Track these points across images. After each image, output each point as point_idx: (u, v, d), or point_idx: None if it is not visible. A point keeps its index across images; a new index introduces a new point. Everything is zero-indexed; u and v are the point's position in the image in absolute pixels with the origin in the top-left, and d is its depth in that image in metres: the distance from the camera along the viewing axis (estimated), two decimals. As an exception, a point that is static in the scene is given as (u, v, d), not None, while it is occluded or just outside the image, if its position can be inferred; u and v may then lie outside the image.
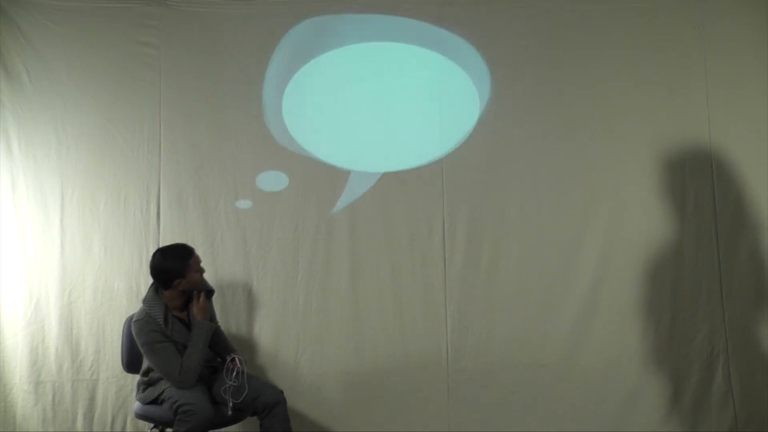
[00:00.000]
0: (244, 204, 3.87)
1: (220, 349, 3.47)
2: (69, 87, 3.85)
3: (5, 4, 3.83)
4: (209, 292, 3.43)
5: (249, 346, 3.78)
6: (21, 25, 3.84)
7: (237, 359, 3.34)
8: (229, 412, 3.24)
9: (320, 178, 3.90)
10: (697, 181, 3.92)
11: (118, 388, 3.71)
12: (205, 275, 3.61)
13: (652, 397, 3.80)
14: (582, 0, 4.01)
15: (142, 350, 3.26)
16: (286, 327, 3.83)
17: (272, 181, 3.90)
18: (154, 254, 3.35)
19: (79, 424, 3.69)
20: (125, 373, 3.58)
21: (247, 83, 3.92)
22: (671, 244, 3.88)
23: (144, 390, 3.33)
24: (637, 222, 3.89)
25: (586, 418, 3.78)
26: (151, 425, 3.34)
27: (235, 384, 3.26)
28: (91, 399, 3.72)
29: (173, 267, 3.28)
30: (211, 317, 3.48)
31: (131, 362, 3.46)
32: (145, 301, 3.32)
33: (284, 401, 3.33)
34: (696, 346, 3.84)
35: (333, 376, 3.81)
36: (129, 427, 3.71)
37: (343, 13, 3.99)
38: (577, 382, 3.82)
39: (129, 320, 3.51)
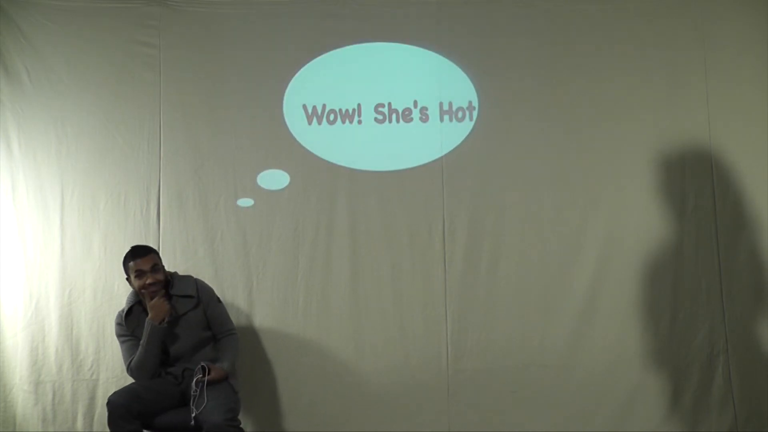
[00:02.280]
0: (245, 202, 3.88)
1: (223, 354, 3.45)
2: (69, 87, 3.86)
3: (5, 4, 3.83)
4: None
5: (249, 345, 3.77)
6: (21, 25, 3.85)
7: (202, 368, 3.23)
8: (192, 422, 3.14)
9: (321, 177, 3.90)
10: (697, 181, 3.91)
11: (118, 388, 3.70)
12: (206, 275, 3.63)
13: (652, 397, 3.80)
14: (582, 0, 4.01)
15: None
16: (286, 327, 3.83)
17: (273, 179, 3.90)
18: None
19: (79, 424, 3.69)
20: (125, 373, 3.57)
21: (247, 83, 3.92)
22: (671, 244, 3.88)
23: None
24: (637, 222, 3.88)
25: (586, 418, 3.78)
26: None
27: (195, 393, 3.17)
28: (91, 399, 3.72)
29: (123, 266, 3.41)
30: (222, 321, 3.50)
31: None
32: (128, 295, 3.46)
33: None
34: (696, 346, 3.83)
35: (333, 377, 3.81)
36: (129, 427, 3.71)
37: (344, 14, 3.99)
38: (577, 383, 3.81)
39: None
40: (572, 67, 3.97)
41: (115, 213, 3.82)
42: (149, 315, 3.30)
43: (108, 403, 3.14)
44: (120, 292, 3.75)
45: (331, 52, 3.98)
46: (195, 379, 3.19)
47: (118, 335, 3.42)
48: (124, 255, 3.41)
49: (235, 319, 3.77)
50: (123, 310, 3.41)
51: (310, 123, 3.94)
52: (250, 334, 3.81)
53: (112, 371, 3.71)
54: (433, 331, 3.84)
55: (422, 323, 3.84)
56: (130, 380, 3.61)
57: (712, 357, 3.84)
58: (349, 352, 3.82)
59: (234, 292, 3.81)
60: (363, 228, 3.88)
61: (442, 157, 3.93)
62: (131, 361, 3.33)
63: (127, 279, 3.40)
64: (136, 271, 3.32)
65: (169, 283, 3.40)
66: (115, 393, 3.22)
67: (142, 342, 3.30)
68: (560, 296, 3.86)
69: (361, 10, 4.00)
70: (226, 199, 3.87)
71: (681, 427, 3.77)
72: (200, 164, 3.87)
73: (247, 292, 3.83)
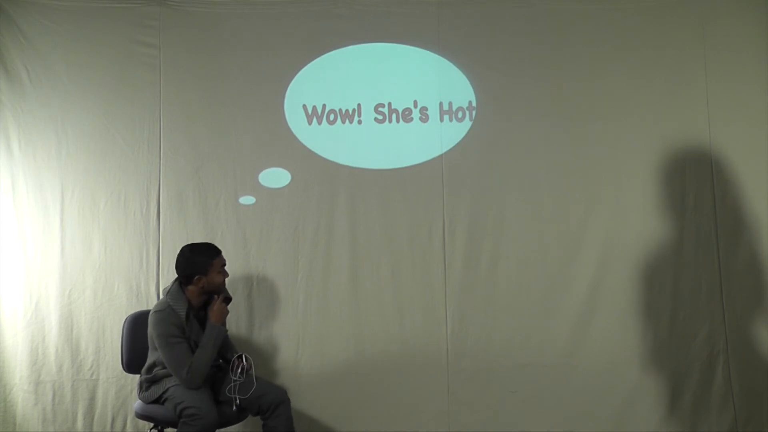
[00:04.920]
0: (247, 200, 3.88)
1: (223, 350, 3.48)
2: (69, 87, 3.86)
3: (5, 4, 3.83)
4: (227, 299, 3.42)
5: (249, 345, 3.77)
6: (21, 25, 3.85)
7: (244, 357, 3.35)
8: (234, 408, 3.24)
9: (321, 174, 3.90)
10: (697, 181, 3.92)
11: (118, 388, 3.72)
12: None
13: (652, 398, 3.80)
14: (582, 0, 4.01)
15: (156, 342, 3.24)
16: (286, 327, 3.83)
17: (274, 177, 3.90)
18: (183, 248, 3.39)
19: (79, 424, 3.70)
20: (125, 373, 3.58)
21: (247, 83, 3.92)
22: (671, 245, 3.88)
23: (147, 388, 3.33)
24: (636, 222, 3.89)
25: (586, 418, 3.78)
26: (151, 425, 3.34)
27: (240, 380, 3.27)
28: (91, 399, 3.72)
29: (198, 262, 3.32)
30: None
31: (131, 362, 3.47)
32: (169, 293, 3.31)
33: (288, 401, 3.36)
34: (696, 346, 3.84)
35: (333, 376, 3.81)
36: (129, 427, 3.71)
37: (344, 14, 3.99)
38: (577, 382, 3.82)
39: (129, 319, 3.53)
40: (572, 66, 3.97)
41: (115, 213, 3.82)
42: (212, 318, 3.30)
43: (198, 418, 3.09)
44: (120, 292, 3.75)
45: (332, 53, 3.99)
46: (241, 367, 3.29)
47: (171, 335, 3.20)
48: (200, 251, 3.35)
49: (235, 319, 3.78)
50: (174, 310, 3.25)
51: (310, 123, 3.94)
52: (251, 334, 3.81)
53: (112, 371, 3.71)
54: (433, 332, 3.84)
55: (422, 323, 3.85)
56: (129, 380, 3.63)
57: (712, 357, 3.84)
58: (349, 351, 3.82)
59: (234, 291, 3.80)
60: (363, 227, 3.88)
61: (442, 157, 3.93)
62: (190, 365, 3.19)
63: (199, 274, 3.30)
64: (222, 266, 3.36)
65: None
66: (199, 408, 3.11)
67: (204, 346, 3.24)
68: (560, 296, 3.86)
69: (362, 11, 4.00)
70: (226, 198, 3.87)
71: (681, 427, 3.78)
72: (200, 164, 3.88)
73: (247, 292, 3.83)
